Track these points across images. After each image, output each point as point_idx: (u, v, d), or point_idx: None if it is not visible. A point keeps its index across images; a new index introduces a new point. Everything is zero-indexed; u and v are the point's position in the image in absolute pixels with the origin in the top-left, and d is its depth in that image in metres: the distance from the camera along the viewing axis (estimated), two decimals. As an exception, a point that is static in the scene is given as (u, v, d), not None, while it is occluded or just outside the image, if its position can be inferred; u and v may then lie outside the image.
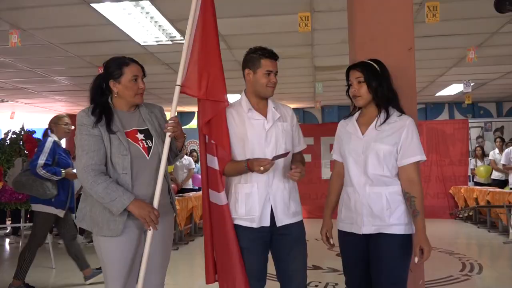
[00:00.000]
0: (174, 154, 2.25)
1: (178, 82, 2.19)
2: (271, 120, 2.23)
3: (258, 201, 2.14)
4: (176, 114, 2.19)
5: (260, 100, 2.26)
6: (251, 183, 2.16)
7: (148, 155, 2.11)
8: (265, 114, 2.23)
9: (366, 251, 2.06)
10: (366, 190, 2.05)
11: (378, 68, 2.09)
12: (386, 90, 2.07)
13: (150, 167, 2.11)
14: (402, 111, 2.11)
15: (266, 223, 2.15)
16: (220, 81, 2.26)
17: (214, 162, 2.22)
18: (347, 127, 2.19)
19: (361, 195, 2.06)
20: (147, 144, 2.13)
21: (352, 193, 2.10)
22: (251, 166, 2.08)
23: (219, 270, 2.21)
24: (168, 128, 2.10)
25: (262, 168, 2.03)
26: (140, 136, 2.13)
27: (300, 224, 2.26)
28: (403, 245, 2.02)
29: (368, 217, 2.04)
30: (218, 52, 2.29)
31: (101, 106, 2.09)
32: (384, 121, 2.06)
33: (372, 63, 2.11)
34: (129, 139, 2.08)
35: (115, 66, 2.11)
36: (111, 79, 2.11)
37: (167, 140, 2.11)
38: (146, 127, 2.17)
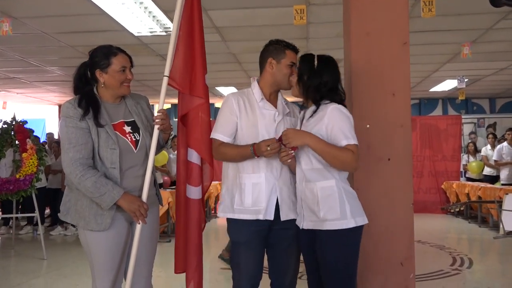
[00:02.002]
0: (160, 146, 2.24)
1: (166, 73, 2.17)
2: (281, 113, 2.21)
3: (265, 191, 2.12)
4: (164, 107, 2.17)
5: (272, 92, 2.24)
6: (259, 173, 2.13)
7: (136, 149, 2.08)
8: (275, 106, 2.22)
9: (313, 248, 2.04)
10: (303, 185, 2.05)
11: (316, 63, 2.04)
12: (316, 86, 2.02)
13: (138, 160, 2.09)
14: (339, 102, 2.02)
15: (271, 216, 2.12)
16: (201, 77, 2.27)
17: (193, 156, 2.27)
18: None
19: (300, 190, 2.07)
20: (134, 137, 2.09)
21: (297, 188, 2.11)
22: (257, 149, 2.03)
23: (189, 261, 2.29)
24: (157, 121, 2.09)
25: (269, 148, 1.98)
26: (128, 129, 2.09)
27: None
28: (341, 240, 1.95)
29: (306, 212, 2.04)
30: (203, 48, 2.28)
31: (87, 97, 2.03)
32: (311, 116, 2.04)
33: (314, 57, 2.07)
34: (117, 132, 2.04)
35: (102, 56, 2.04)
36: (97, 68, 2.05)
37: (156, 132, 2.10)
38: (132, 119, 2.13)
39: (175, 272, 2.33)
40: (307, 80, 2.04)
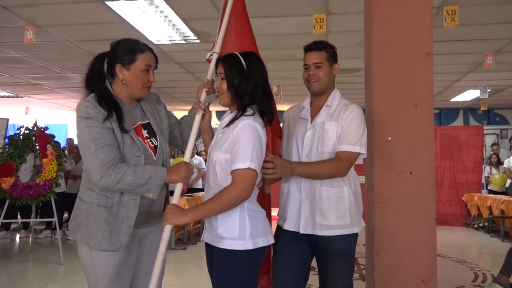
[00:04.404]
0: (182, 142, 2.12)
1: (217, 50, 2.09)
2: (319, 119, 2.10)
3: (292, 202, 2.11)
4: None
5: (316, 98, 2.19)
6: (288, 182, 2.14)
7: (155, 155, 1.88)
8: (316, 113, 2.13)
9: None
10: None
11: (244, 63, 1.78)
12: (250, 88, 1.77)
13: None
14: (263, 112, 1.79)
15: (297, 228, 2.07)
16: None
17: None
18: None
19: None
20: (152, 142, 1.89)
21: None
22: None
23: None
24: (205, 89, 1.96)
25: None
26: (145, 133, 1.88)
27: (343, 238, 2.05)
28: (237, 261, 1.74)
29: (207, 223, 1.85)
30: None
31: (105, 96, 1.80)
32: (228, 124, 1.80)
33: (239, 56, 1.81)
34: (140, 139, 1.84)
35: (127, 50, 1.82)
36: (119, 62, 1.81)
37: (203, 95, 1.95)
38: (147, 121, 1.92)
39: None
40: (240, 85, 1.76)
